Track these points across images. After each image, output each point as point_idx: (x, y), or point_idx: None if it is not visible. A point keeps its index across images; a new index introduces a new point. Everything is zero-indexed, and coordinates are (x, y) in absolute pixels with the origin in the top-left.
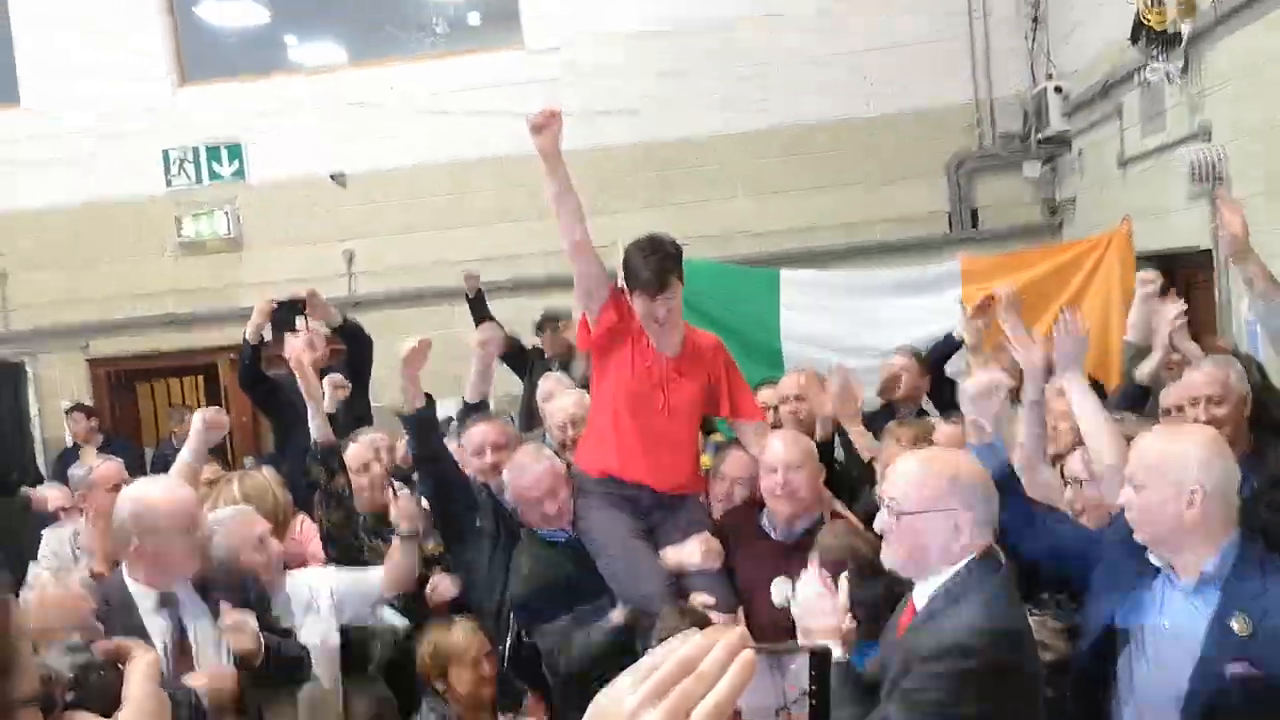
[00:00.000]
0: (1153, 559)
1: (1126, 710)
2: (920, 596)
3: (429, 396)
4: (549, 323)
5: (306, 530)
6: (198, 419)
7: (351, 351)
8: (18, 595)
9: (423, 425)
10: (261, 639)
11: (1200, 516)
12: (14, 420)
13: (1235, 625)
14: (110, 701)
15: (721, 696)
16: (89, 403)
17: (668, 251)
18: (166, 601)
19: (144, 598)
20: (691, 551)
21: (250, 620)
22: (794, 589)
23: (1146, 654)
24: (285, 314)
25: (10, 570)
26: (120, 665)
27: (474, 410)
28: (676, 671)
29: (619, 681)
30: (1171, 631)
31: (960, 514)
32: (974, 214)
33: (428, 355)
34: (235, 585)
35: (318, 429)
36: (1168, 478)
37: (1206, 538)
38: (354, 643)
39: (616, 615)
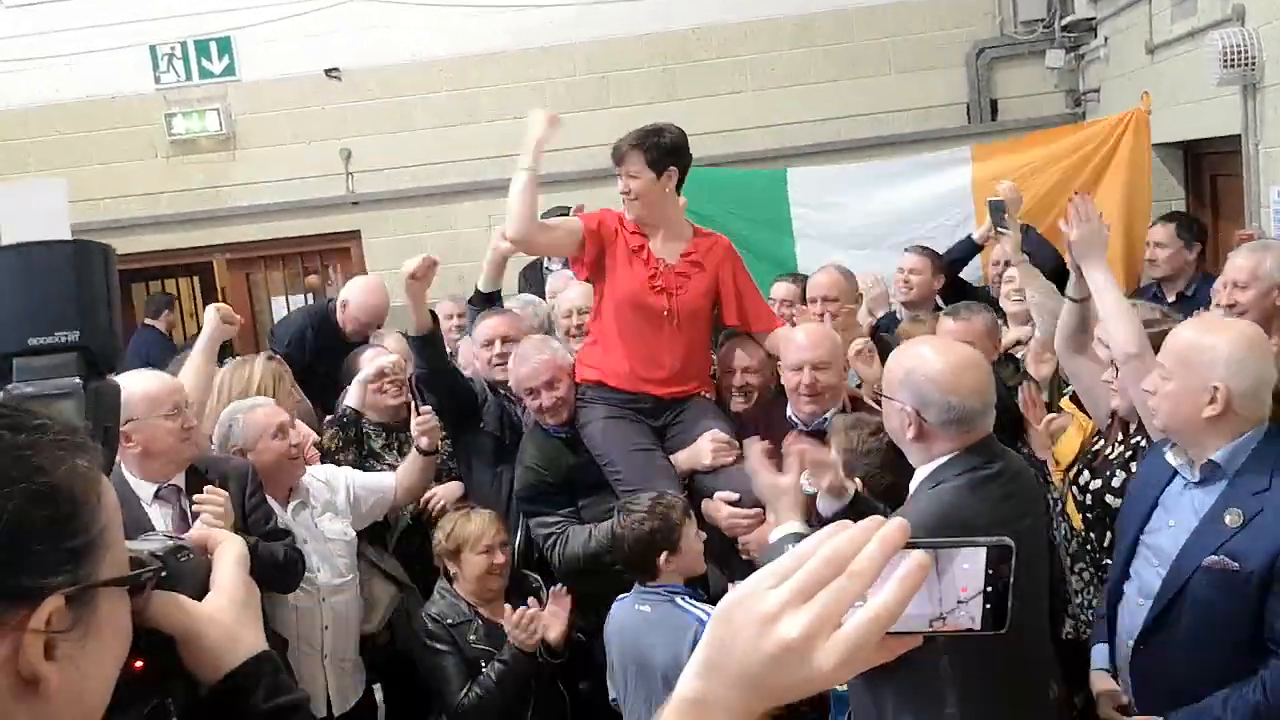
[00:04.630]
0: (1169, 456)
1: (1123, 610)
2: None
3: (434, 314)
4: None
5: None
6: (211, 313)
7: None
8: (108, 474)
9: (430, 345)
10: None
11: (1220, 414)
12: (106, 300)
13: (1228, 518)
14: (198, 586)
15: (884, 607)
16: None
17: (645, 131)
18: (162, 495)
19: (143, 489)
20: (702, 451)
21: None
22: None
23: (1149, 555)
24: None
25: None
26: (207, 553)
27: (487, 300)
28: (826, 569)
29: (755, 577)
30: (1172, 530)
31: (907, 408)
32: (994, 105)
33: (433, 273)
34: (234, 474)
35: (354, 396)
36: (1193, 371)
37: (1224, 433)
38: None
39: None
